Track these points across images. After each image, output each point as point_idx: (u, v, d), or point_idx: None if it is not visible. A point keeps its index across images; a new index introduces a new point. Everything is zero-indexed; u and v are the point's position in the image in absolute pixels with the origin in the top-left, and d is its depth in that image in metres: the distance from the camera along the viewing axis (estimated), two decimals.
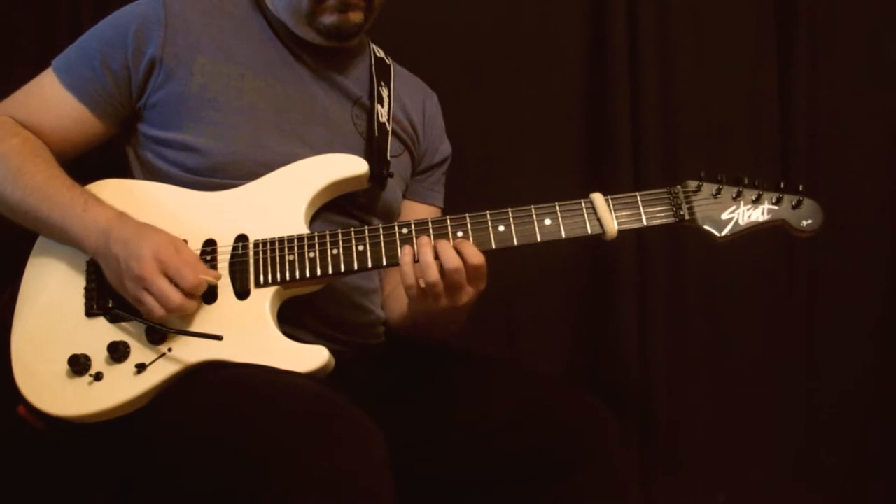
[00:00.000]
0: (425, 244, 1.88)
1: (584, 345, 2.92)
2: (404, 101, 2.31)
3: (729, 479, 2.93)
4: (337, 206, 2.08)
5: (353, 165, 2.03)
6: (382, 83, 2.25)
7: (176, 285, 1.83)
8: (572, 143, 2.89)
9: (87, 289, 1.94)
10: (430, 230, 1.92)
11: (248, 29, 2.15)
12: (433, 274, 1.85)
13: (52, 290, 1.96)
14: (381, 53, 2.32)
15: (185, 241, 1.92)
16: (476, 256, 1.87)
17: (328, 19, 2.07)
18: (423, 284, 1.87)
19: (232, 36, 2.12)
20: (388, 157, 2.15)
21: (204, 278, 1.87)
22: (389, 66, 2.32)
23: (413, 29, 2.70)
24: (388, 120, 2.20)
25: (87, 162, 2.07)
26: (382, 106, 2.21)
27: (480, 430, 2.00)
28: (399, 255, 1.90)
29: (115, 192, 1.99)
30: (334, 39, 2.12)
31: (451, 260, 1.85)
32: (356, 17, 2.09)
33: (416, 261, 1.90)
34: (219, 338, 1.84)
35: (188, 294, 1.85)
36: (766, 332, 2.97)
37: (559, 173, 2.86)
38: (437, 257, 1.87)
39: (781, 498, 2.94)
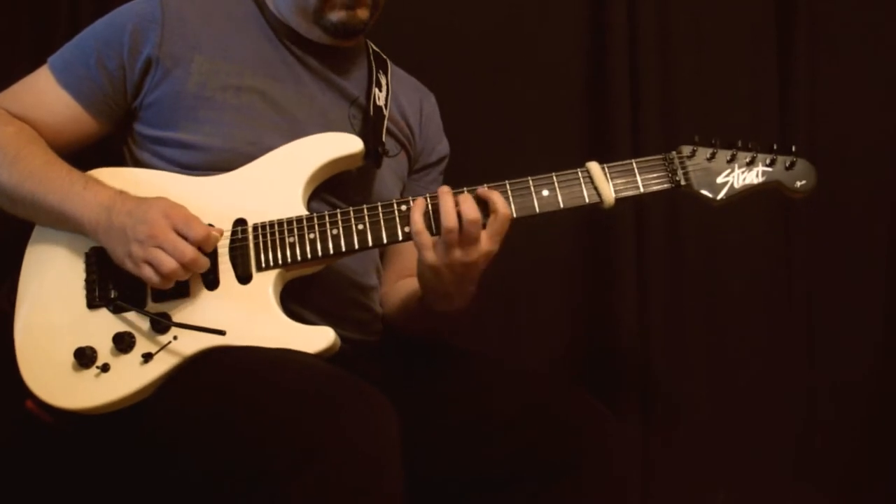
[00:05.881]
0: (445, 192, 1.89)
1: (584, 343, 2.92)
2: (401, 101, 2.32)
3: (729, 477, 2.92)
4: (332, 196, 2.09)
5: (348, 144, 2.04)
6: (380, 71, 2.27)
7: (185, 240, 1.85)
8: (573, 138, 2.90)
9: (87, 280, 1.94)
10: (429, 204, 1.93)
11: (246, 28, 2.16)
12: (452, 220, 1.86)
13: (51, 282, 1.96)
14: (377, 49, 2.33)
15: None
16: (505, 207, 1.89)
17: (336, 16, 2.09)
18: (440, 231, 1.88)
19: (230, 35, 2.13)
20: (384, 138, 2.16)
21: (213, 232, 1.89)
22: (386, 60, 2.33)
23: (411, 22, 2.70)
24: (385, 104, 2.21)
25: (84, 162, 2.07)
26: (381, 91, 2.22)
27: (480, 430, 2.00)
28: (410, 206, 1.91)
29: (111, 179, 2.00)
30: (340, 37, 2.14)
31: (471, 211, 1.86)
32: (363, 14, 2.11)
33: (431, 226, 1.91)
34: (222, 333, 1.85)
35: (199, 248, 1.86)
36: (767, 332, 2.98)
37: (559, 167, 2.86)
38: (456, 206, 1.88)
39: (781, 496, 2.94)
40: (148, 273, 1.85)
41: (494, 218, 1.88)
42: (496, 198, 1.89)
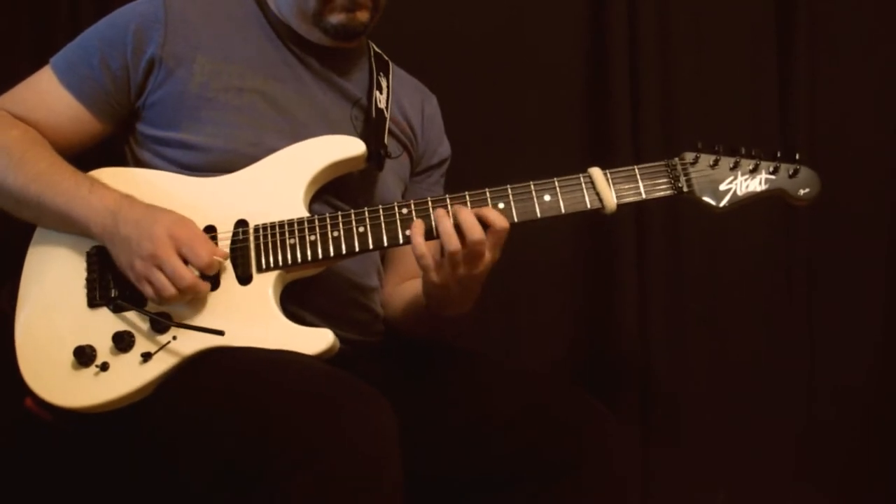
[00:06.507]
0: (442, 216, 1.87)
1: (584, 344, 2.92)
2: (403, 102, 2.31)
3: (729, 477, 2.93)
4: (334, 198, 2.09)
5: (350, 146, 2.03)
6: (381, 74, 2.26)
7: (187, 265, 1.85)
8: (573, 138, 2.90)
9: (88, 280, 1.94)
10: (431, 209, 1.92)
11: (248, 29, 2.15)
12: (454, 243, 1.84)
13: (52, 282, 1.96)
14: (378, 50, 2.33)
15: (185, 217, 1.92)
16: (501, 221, 1.87)
17: (336, 18, 2.08)
18: (443, 253, 1.87)
19: (232, 36, 2.12)
20: (385, 140, 2.16)
21: (216, 258, 1.88)
22: (387, 61, 2.32)
23: (412, 23, 2.69)
24: (387, 107, 2.21)
25: (85, 162, 2.06)
26: (381, 93, 2.21)
27: (480, 430, 2.00)
28: (410, 231, 1.89)
29: (113, 179, 2.00)
30: (340, 39, 2.13)
31: (474, 231, 1.84)
32: (363, 16, 2.10)
33: (433, 235, 1.90)
34: (220, 333, 1.85)
35: (200, 273, 1.86)
36: (767, 333, 2.98)
37: (559, 167, 2.86)
38: (456, 226, 1.86)
39: (781, 496, 2.95)
40: (148, 291, 1.86)
41: (492, 232, 1.87)
42: (490, 214, 1.87)
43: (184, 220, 1.90)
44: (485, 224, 1.87)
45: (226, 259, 1.92)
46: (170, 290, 1.83)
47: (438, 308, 2.04)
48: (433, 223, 1.89)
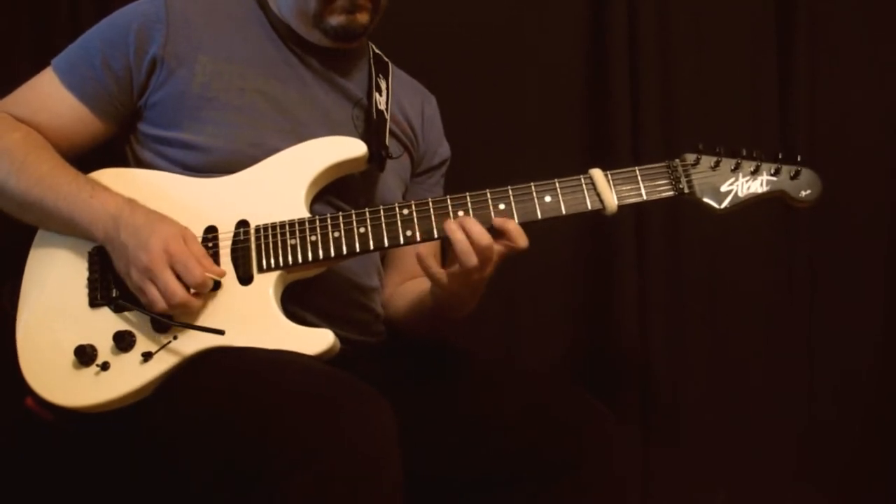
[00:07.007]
0: (455, 230, 1.88)
1: (584, 344, 2.92)
2: (403, 103, 2.31)
3: (729, 477, 2.93)
4: (336, 198, 2.09)
5: (351, 147, 2.03)
6: (381, 76, 2.26)
7: (181, 280, 1.84)
8: (573, 138, 2.90)
9: (89, 279, 1.94)
10: (432, 210, 1.93)
11: (249, 29, 2.15)
12: (473, 260, 1.86)
13: (54, 282, 1.96)
14: (378, 51, 2.33)
15: (186, 229, 1.92)
16: (522, 240, 1.89)
17: (336, 20, 2.08)
18: (454, 260, 1.89)
19: (233, 35, 2.12)
20: (387, 141, 2.16)
21: (209, 276, 1.87)
22: (387, 63, 2.33)
23: (412, 24, 2.68)
24: (387, 108, 2.21)
25: (85, 163, 2.06)
26: (381, 95, 2.21)
27: (480, 430, 2.00)
28: (421, 262, 1.93)
29: (114, 180, 1.99)
30: (340, 40, 2.13)
31: (483, 238, 1.86)
32: (363, 18, 2.10)
33: (432, 237, 1.92)
34: (221, 332, 1.85)
35: (193, 290, 1.86)
36: (767, 333, 2.98)
37: (559, 168, 2.86)
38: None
39: (781, 496, 2.95)
40: (142, 300, 1.87)
41: (506, 244, 1.89)
42: (513, 229, 1.89)
43: (182, 234, 1.89)
44: (499, 234, 1.89)
45: (221, 276, 1.91)
46: (161, 304, 1.84)
47: (445, 310, 2.06)
48: (434, 227, 1.91)
